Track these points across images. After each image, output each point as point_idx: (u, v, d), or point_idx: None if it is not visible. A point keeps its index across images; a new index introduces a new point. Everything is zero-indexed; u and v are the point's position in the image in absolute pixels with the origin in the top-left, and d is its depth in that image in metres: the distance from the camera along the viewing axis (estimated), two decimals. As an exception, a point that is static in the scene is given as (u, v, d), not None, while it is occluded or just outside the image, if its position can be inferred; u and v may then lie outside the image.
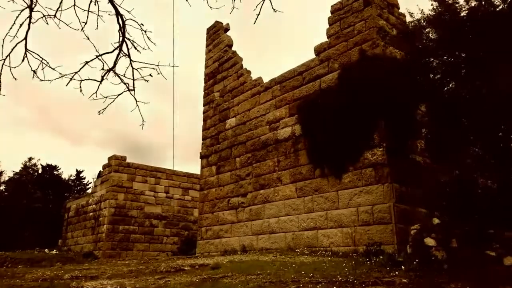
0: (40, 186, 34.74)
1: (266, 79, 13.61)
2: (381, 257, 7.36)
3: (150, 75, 3.77)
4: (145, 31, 3.77)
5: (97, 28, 3.74)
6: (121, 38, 3.84)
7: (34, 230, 29.60)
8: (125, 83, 3.86)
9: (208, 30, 16.97)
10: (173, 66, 3.90)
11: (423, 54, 7.84)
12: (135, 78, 3.92)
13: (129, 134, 78.18)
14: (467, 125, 7.53)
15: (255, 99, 13.71)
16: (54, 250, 22.21)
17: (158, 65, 3.76)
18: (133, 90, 3.98)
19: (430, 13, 7.39)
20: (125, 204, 21.43)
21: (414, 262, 6.12)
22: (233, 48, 15.62)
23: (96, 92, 3.85)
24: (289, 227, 11.31)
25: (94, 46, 3.74)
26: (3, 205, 30.41)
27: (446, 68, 7.34)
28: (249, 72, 14.53)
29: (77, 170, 40.01)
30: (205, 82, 16.64)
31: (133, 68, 3.93)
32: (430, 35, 7.47)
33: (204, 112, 16.26)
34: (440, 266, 5.95)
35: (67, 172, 63.61)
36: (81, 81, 3.82)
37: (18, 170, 36.49)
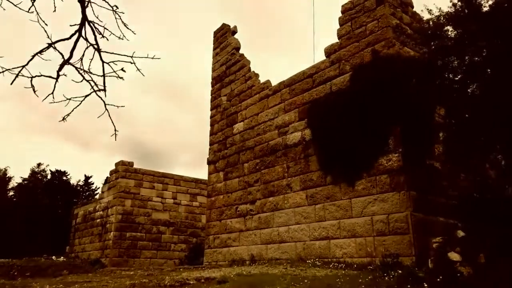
0: (49, 192, 34.71)
1: (274, 82, 13.20)
2: (400, 271, 6.84)
3: (122, 69, 3.14)
4: (114, 11, 3.01)
5: (55, 10, 3.00)
6: (81, 18, 3.04)
7: (42, 236, 29.48)
8: (89, 81, 3.17)
9: (215, 33, 16.64)
10: (153, 58, 3.25)
11: (442, 54, 7.35)
12: (105, 74, 3.19)
13: (137, 140, 78.39)
14: (490, 129, 7.00)
15: (263, 103, 13.29)
16: (62, 257, 21.99)
17: (132, 56, 3.10)
18: (104, 90, 3.27)
19: (450, 10, 6.91)
20: (132, 210, 21.13)
21: (438, 279, 5.60)
22: (241, 51, 15.24)
23: (52, 93, 3.14)
24: (299, 236, 10.82)
25: (46, 31, 2.92)
26: (11, 211, 30.38)
27: (467, 68, 6.84)
28: (257, 75, 14.13)
29: (85, 175, 39.97)
30: (212, 86, 16.28)
31: (102, 62, 3.19)
32: (450, 33, 6.98)
33: (211, 117, 15.89)
34: (466, 283, 5.43)
35: (75, 177, 63.80)
36: (31, 78, 3.11)
37: (26, 176, 36.54)
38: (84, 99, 3.10)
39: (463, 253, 5.65)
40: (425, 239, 8.40)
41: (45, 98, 3.11)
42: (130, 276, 9.98)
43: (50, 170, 38.14)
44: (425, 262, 7.70)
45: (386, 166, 9.02)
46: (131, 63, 3.07)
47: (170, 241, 22.35)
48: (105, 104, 3.36)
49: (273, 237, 11.67)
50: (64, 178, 38.41)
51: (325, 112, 10.74)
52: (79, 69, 3.10)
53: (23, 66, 3.07)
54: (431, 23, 7.35)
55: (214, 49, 16.56)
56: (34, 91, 3.15)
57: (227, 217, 13.79)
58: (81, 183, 39.76)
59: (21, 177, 36.55)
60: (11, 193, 35.78)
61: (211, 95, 16.24)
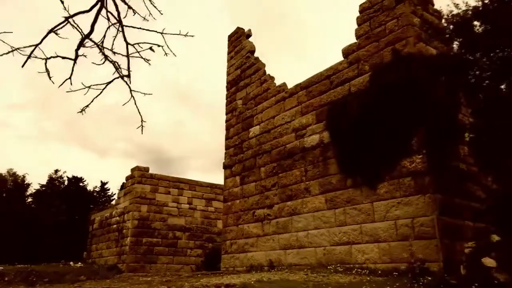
0: (66, 198, 35.11)
1: (290, 85, 13.01)
2: (429, 278, 6.53)
3: (150, 48, 2.71)
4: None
5: (70, -23, 2.50)
6: None
7: (59, 242, 29.76)
8: (112, 62, 2.79)
9: (230, 36, 16.58)
10: (186, 35, 2.85)
11: (469, 50, 7.05)
12: (129, 54, 2.79)
13: (152, 146, 79.07)
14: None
15: (279, 105, 13.11)
16: (79, 263, 22.10)
17: (162, 33, 2.64)
18: (128, 75, 2.92)
19: (477, 4, 6.63)
20: (148, 216, 21.13)
21: (473, 287, 5.29)
22: (255, 54, 15.12)
23: (70, 78, 2.74)
24: (319, 241, 10.55)
25: (62, 2, 2.46)
26: (29, 218, 30.79)
27: (496, 65, 6.53)
28: (272, 78, 13.97)
29: (101, 181, 40.35)
30: (227, 90, 16.19)
31: (126, 43, 2.80)
32: (477, 29, 6.69)
33: (226, 121, 15.78)
34: (504, 291, 5.11)
35: (92, 184, 64.60)
36: (46, 59, 2.72)
37: (44, 183, 37.06)
38: (106, 87, 2.78)
39: (499, 258, 5.34)
40: (453, 244, 8.06)
41: (61, 84, 2.74)
42: (148, 282, 9.86)
43: (67, 177, 38.64)
44: (453, 268, 7.36)
45: (409, 168, 8.71)
46: (158, 46, 2.78)
47: (186, 246, 22.26)
48: (130, 91, 3.01)
49: (292, 242, 11.43)
50: (81, 184, 38.85)
51: (344, 113, 10.49)
52: (100, 46, 2.71)
53: (36, 45, 2.66)
54: (456, 18, 7.07)
55: (229, 53, 16.49)
56: (49, 76, 2.76)
57: (244, 222, 13.60)
58: (97, 189, 40.15)
59: (39, 184, 37.13)
60: (29, 199, 36.34)
61: (226, 99, 16.15)
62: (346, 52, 10.97)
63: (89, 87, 2.68)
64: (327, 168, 10.79)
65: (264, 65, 14.49)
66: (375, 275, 8.04)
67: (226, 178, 15.16)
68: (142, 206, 21.13)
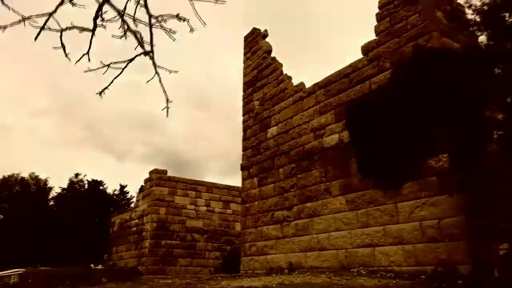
0: (86, 201, 35.68)
1: (308, 84, 12.80)
2: (459, 281, 6.23)
3: (177, 16, 2.33)
4: None
5: None
6: None
7: (80, 245, 30.23)
8: (134, 32, 2.45)
9: (246, 37, 16.49)
10: (216, 2, 2.55)
11: (496, 43, 6.73)
12: (152, 24, 2.46)
13: (169, 150, 79.84)
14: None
15: (297, 105, 12.91)
16: (100, 265, 22.36)
17: None
18: (151, 51, 2.60)
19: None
20: (166, 218, 21.21)
21: (509, 291, 4.98)
22: (272, 55, 14.97)
23: (88, 53, 2.47)
24: (341, 243, 10.30)
25: None
26: (51, 221, 31.40)
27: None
28: (289, 78, 13.79)
29: (120, 185, 40.86)
30: (243, 91, 16.10)
31: (149, 15, 2.50)
32: (507, 19, 6.37)
33: (243, 122, 15.67)
34: (543, 296, 4.79)
35: (111, 187, 65.61)
36: (61, 31, 2.47)
37: (65, 186, 37.75)
38: (127, 65, 2.56)
39: (536, 261, 5.02)
40: (482, 245, 7.71)
41: (78, 60, 2.51)
42: (169, 285, 9.82)
43: (87, 180, 39.29)
44: (483, 271, 7.03)
45: (435, 167, 8.39)
46: (184, 20, 2.55)
47: (204, 248, 22.23)
48: (155, 66, 2.75)
49: (312, 245, 11.20)
50: (101, 187, 39.44)
51: (364, 112, 10.23)
52: (122, 12, 2.40)
53: (51, 14, 2.39)
54: (484, 9, 6.76)
55: (245, 54, 16.40)
56: (65, 52, 2.52)
57: (263, 224, 13.44)
58: (116, 192, 40.69)
59: (60, 187, 37.86)
60: (51, 202, 37.09)
61: (242, 100, 16.05)
62: (366, 49, 10.71)
63: (108, 65, 2.50)
64: (347, 168, 10.54)
65: (281, 65, 14.32)
66: (401, 278, 7.76)
67: (244, 179, 15.04)
68: (161, 208, 21.23)
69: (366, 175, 9.95)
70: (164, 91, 2.80)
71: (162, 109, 2.85)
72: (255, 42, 15.82)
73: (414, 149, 8.80)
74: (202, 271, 21.08)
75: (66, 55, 2.59)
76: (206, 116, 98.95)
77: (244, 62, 16.38)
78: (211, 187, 23.60)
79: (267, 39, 15.53)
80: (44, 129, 77.74)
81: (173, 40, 2.64)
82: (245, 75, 16.21)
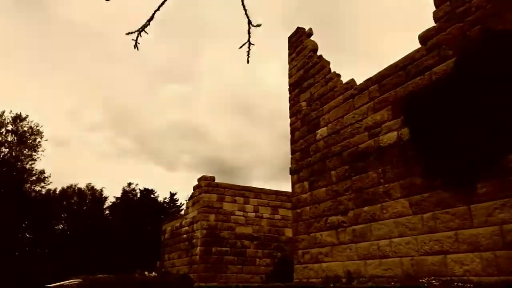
0: (139, 209, 36.80)
1: (358, 81, 12.07)
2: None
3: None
4: None
5: None
6: None
7: (134, 252, 31.11)
8: None
9: (290, 38, 16.04)
10: None
11: None
12: None
13: (215, 158, 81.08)
14: None
15: (348, 104, 12.20)
16: (153, 273, 22.76)
17: None
18: None
19: None
20: (216, 225, 21.14)
21: None
22: (318, 53, 14.38)
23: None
24: (405, 250, 9.43)
25: None
26: (106, 229, 32.63)
27: None
28: (338, 75, 13.12)
29: (170, 192, 41.80)
30: (289, 93, 15.62)
31: None
32: None
33: (291, 124, 15.17)
34: None
35: (162, 195, 67.56)
36: None
37: (119, 195, 39.21)
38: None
39: None
40: None
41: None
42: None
43: (139, 189, 40.60)
44: None
45: (515, 164, 7.37)
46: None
47: (254, 255, 21.88)
48: None
49: (372, 252, 10.40)
50: (152, 196, 40.58)
51: (426, 106, 9.35)
52: None
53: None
54: None
55: (290, 54, 15.94)
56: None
57: (316, 230, 12.79)
58: (167, 200, 41.66)
59: (114, 196, 39.41)
60: (107, 211, 38.67)
61: (289, 102, 15.57)
62: (424, 37, 9.83)
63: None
64: (409, 168, 9.67)
65: (328, 63, 13.69)
66: (482, 290, 6.83)
67: (293, 184, 14.49)
68: (210, 215, 21.21)
69: (432, 175, 9.04)
70: (246, 14, 2.45)
71: (239, 47, 2.46)
72: (300, 41, 15.31)
73: (489, 144, 7.82)
74: (253, 278, 20.73)
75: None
76: (248, 122, 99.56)
77: (289, 63, 15.92)
78: (259, 192, 23.28)
79: (311, 38, 14.97)
80: (99, 142, 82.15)
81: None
82: (290, 76, 15.73)
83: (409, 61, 10.17)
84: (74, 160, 71.67)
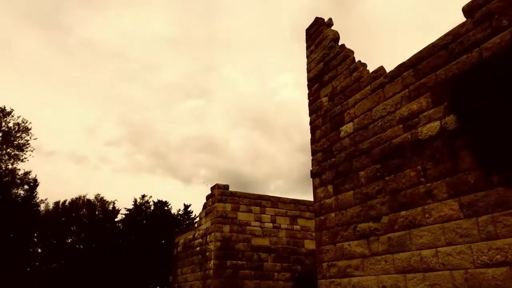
0: (152, 221, 35.64)
1: (388, 69, 10.64)
2: None
3: None
4: None
5: None
6: None
7: (147, 266, 29.80)
8: None
9: (308, 30, 14.76)
10: None
11: None
12: None
13: (231, 171, 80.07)
14: None
15: (377, 94, 10.75)
16: (165, 288, 21.33)
17: None
18: None
19: None
20: (231, 236, 19.68)
21: None
22: (340, 42, 13.02)
23: None
24: (457, 262, 7.80)
25: None
26: (118, 243, 31.49)
27: None
28: (364, 65, 11.71)
29: (184, 204, 40.59)
30: (309, 89, 14.25)
31: None
32: None
33: (311, 123, 13.75)
34: None
35: (175, 207, 66.42)
36: None
37: (131, 207, 38.15)
38: None
39: None
40: None
41: None
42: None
43: (153, 201, 39.51)
44: None
45: None
46: None
47: (272, 269, 20.26)
48: None
49: (413, 264, 8.78)
50: (166, 208, 39.41)
51: (477, 88, 7.83)
52: None
53: None
54: None
55: (308, 47, 14.63)
56: None
57: (343, 239, 11.22)
58: (181, 212, 40.44)
59: (125, 208, 38.29)
60: (119, 224, 37.61)
61: (308, 98, 14.20)
62: (470, 9, 8.36)
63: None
64: (456, 162, 8.10)
65: (352, 52, 12.30)
66: None
67: (315, 188, 12.99)
68: (224, 226, 19.79)
69: (488, 170, 7.46)
70: None
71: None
72: (319, 32, 14.00)
73: None
74: (272, 295, 19.11)
75: None
76: (265, 135, 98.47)
77: (307, 56, 14.60)
78: (276, 201, 21.80)
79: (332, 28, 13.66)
80: (116, 158, 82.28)
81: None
82: (309, 71, 14.39)
83: (451, 38, 8.70)
84: (91, 175, 71.75)
